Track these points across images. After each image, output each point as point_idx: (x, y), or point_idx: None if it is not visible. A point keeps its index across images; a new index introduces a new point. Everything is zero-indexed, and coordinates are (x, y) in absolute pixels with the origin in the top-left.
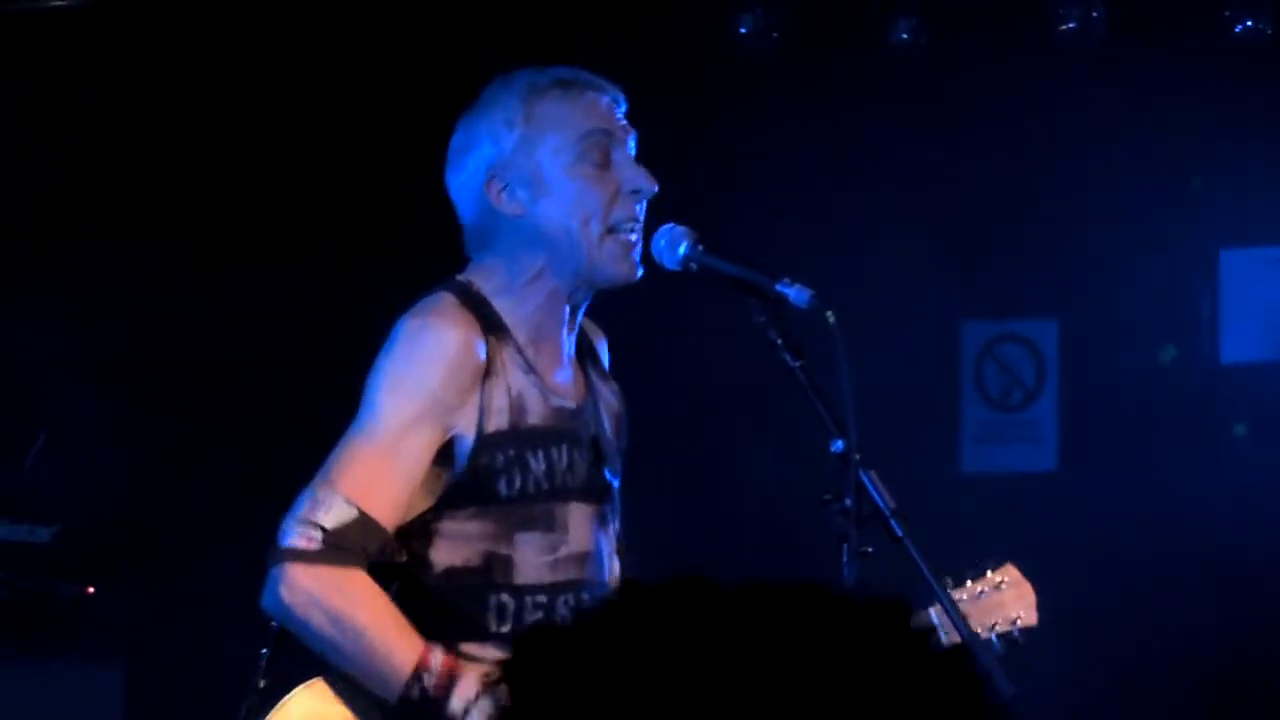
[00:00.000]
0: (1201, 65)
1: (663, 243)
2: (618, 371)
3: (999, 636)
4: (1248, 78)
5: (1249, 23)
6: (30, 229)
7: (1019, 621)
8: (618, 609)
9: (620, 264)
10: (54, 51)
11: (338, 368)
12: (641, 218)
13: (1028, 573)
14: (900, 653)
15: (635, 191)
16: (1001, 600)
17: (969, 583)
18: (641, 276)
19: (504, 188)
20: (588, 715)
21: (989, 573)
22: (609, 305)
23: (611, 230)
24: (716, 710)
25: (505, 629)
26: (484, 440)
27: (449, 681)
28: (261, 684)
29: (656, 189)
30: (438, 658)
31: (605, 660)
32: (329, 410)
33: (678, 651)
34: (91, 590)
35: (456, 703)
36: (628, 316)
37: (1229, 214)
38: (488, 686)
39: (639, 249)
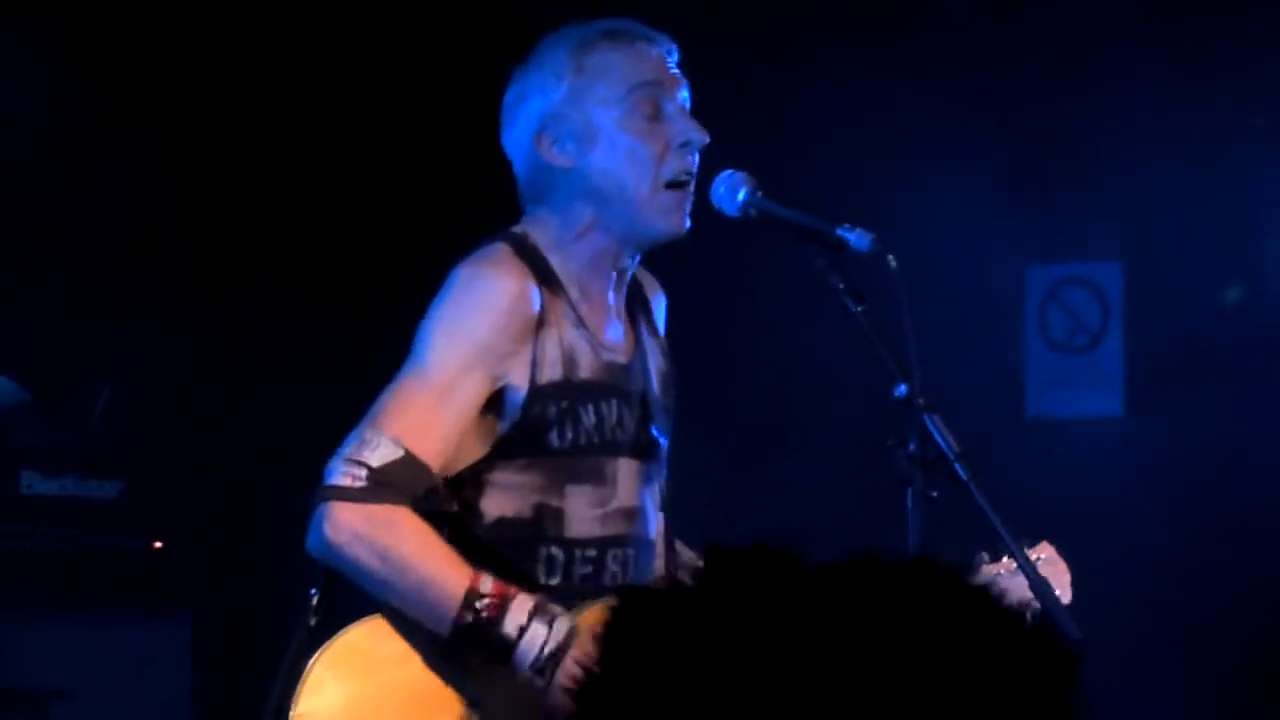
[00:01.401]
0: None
1: (722, 189)
2: (679, 315)
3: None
4: None
5: None
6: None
7: (1034, 605)
8: (711, 575)
9: (669, 217)
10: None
11: (401, 321)
12: (694, 170)
13: (1089, 517)
14: (991, 632)
15: (686, 144)
16: (1018, 584)
17: (1004, 559)
18: (691, 228)
19: (554, 140)
20: (677, 684)
21: (1005, 558)
22: (667, 251)
23: (662, 184)
24: (805, 686)
25: (555, 581)
26: (536, 391)
27: (502, 604)
28: (312, 622)
29: (708, 140)
30: (488, 583)
31: (697, 630)
32: (394, 362)
33: (771, 623)
34: (159, 545)
35: (510, 626)
36: (686, 263)
37: None
38: (540, 609)
39: (690, 202)
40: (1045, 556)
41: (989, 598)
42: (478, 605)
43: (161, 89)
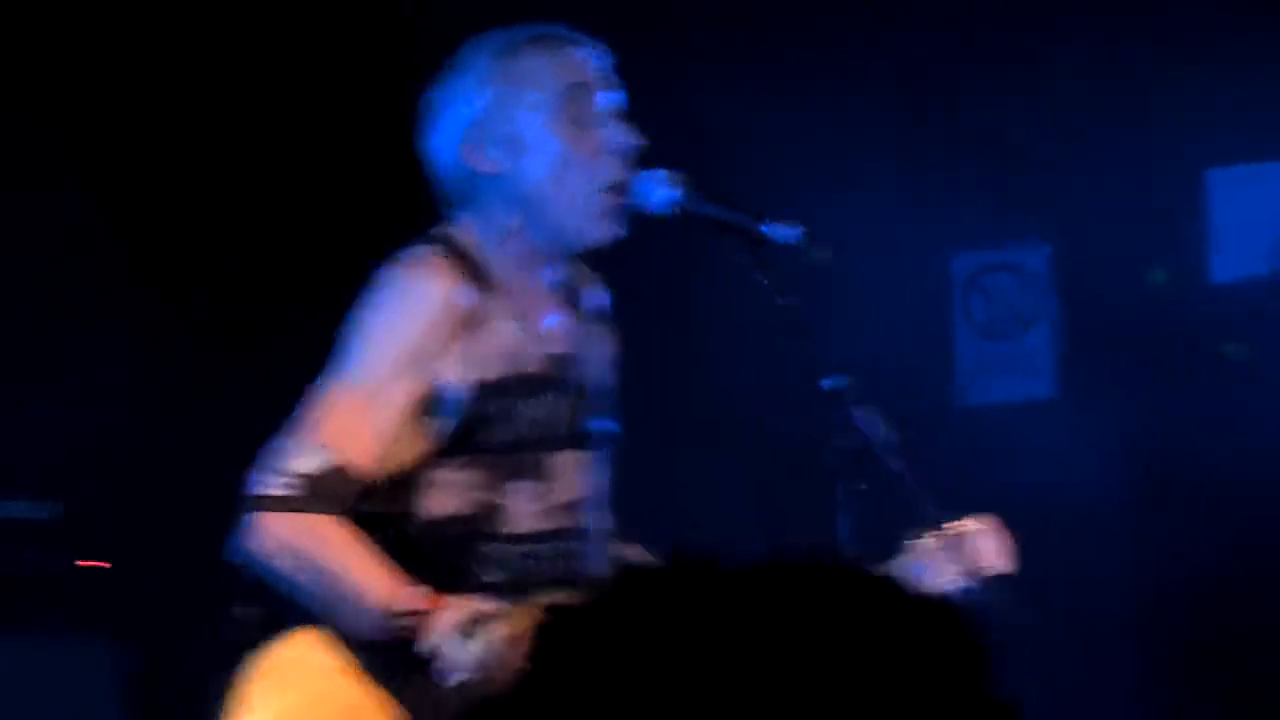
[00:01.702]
0: None
1: (646, 187)
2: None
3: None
4: None
5: None
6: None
7: (994, 569)
8: (624, 591)
9: (600, 223)
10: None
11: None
12: (624, 175)
13: (1027, 502)
14: (903, 627)
15: (615, 149)
16: (977, 548)
17: (942, 528)
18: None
19: (479, 146)
20: (598, 697)
21: (964, 520)
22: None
23: (594, 189)
24: (726, 693)
25: (496, 579)
26: (472, 389)
27: (422, 621)
28: (237, 638)
29: (638, 145)
30: (408, 598)
31: (613, 646)
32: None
33: (687, 639)
34: (84, 564)
35: (427, 645)
36: (612, 261)
37: (1214, 133)
38: (460, 626)
39: (620, 208)
40: (979, 528)
41: (893, 589)
42: (398, 623)
43: (103, 94)
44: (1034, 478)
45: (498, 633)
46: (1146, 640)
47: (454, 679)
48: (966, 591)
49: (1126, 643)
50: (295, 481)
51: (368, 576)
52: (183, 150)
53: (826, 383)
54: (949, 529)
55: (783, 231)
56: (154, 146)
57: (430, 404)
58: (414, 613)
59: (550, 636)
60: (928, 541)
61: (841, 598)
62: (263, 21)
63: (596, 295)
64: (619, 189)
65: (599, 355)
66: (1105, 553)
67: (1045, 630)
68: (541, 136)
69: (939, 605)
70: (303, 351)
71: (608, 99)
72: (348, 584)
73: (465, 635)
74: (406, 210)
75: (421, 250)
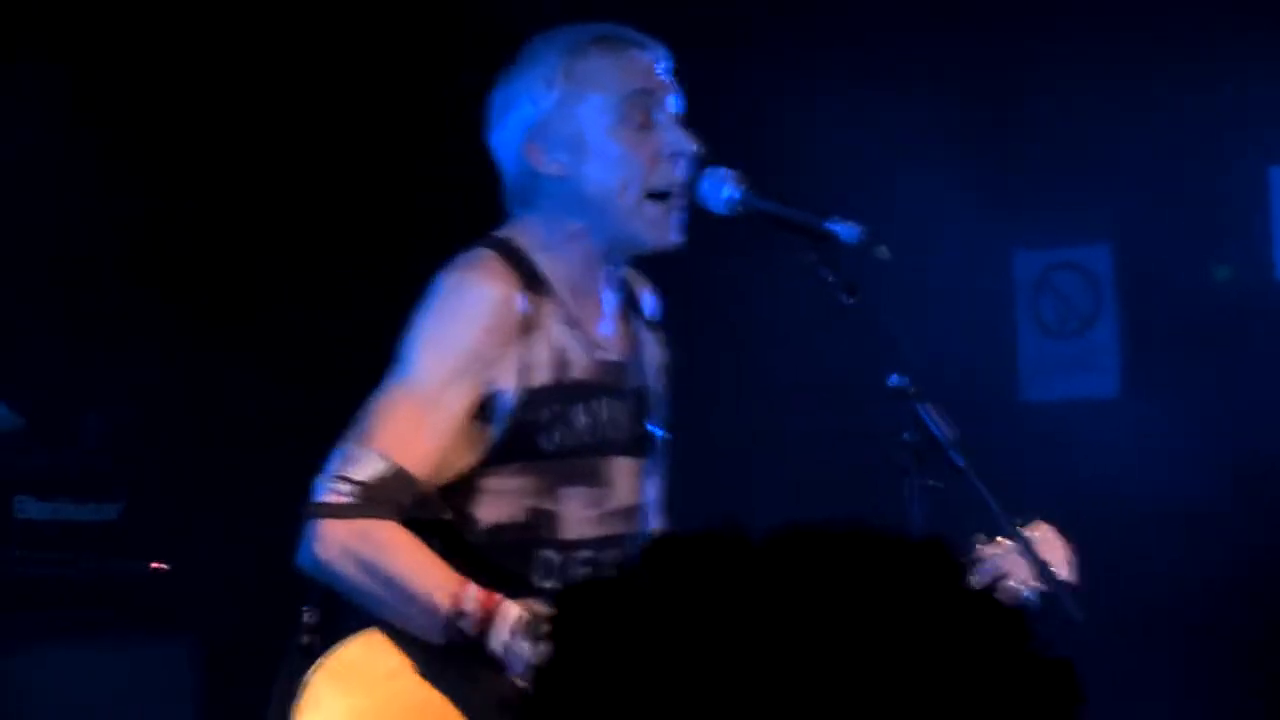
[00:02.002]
0: None
1: (707, 186)
2: (668, 314)
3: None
4: None
5: None
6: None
7: (1058, 576)
8: (655, 562)
9: (656, 229)
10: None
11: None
12: (683, 179)
13: (1090, 499)
14: (938, 592)
15: (676, 154)
16: (1042, 554)
17: (1002, 540)
18: (679, 242)
19: (544, 148)
20: (628, 671)
21: (1030, 525)
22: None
23: (651, 195)
24: (757, 663)
25: (551, 584)
26: (526, 395)
27: (487, 621)
28: (305, 640)
29: (697, 150)
30: (473, 598)
31: (643, 616)
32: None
33: (716, 604)
34: (156, 566)
35: (495, 642)
36: (676, 262)
37: (1277, 129)
38: (524, 625)
39: (680, 213)
40: (1041, 536)
41: (936, 556)
42: (462, 624)
43: (149, 114)
44: (1097, 475)
45: None
46: (1209, 637)
47: (525, 676)
48: (1032, 596)
49: (1189, 639)
50: (356, 489)
51: (432, 578)
52: (242, 155)
53: (893, 380)
54: (1015, 534)
55: (846, 229)
56: (210, 151)
57: (485, 409)
58: (480, 612)
59: (573, 613)
60: (995, 545)
61: (875, 566)
62: (327, 24)
63: (650, 301)
64: (680, 194)
65: (652, 361)
66: (1170, 550)
67: (1106, 627)
68: (604, 140)
69: (1033, 600)
70: (365, 353)
71: (670, 103)
72: (412, 587)
73: (534, 634)
74: (470, 211)
75: (479, 254)
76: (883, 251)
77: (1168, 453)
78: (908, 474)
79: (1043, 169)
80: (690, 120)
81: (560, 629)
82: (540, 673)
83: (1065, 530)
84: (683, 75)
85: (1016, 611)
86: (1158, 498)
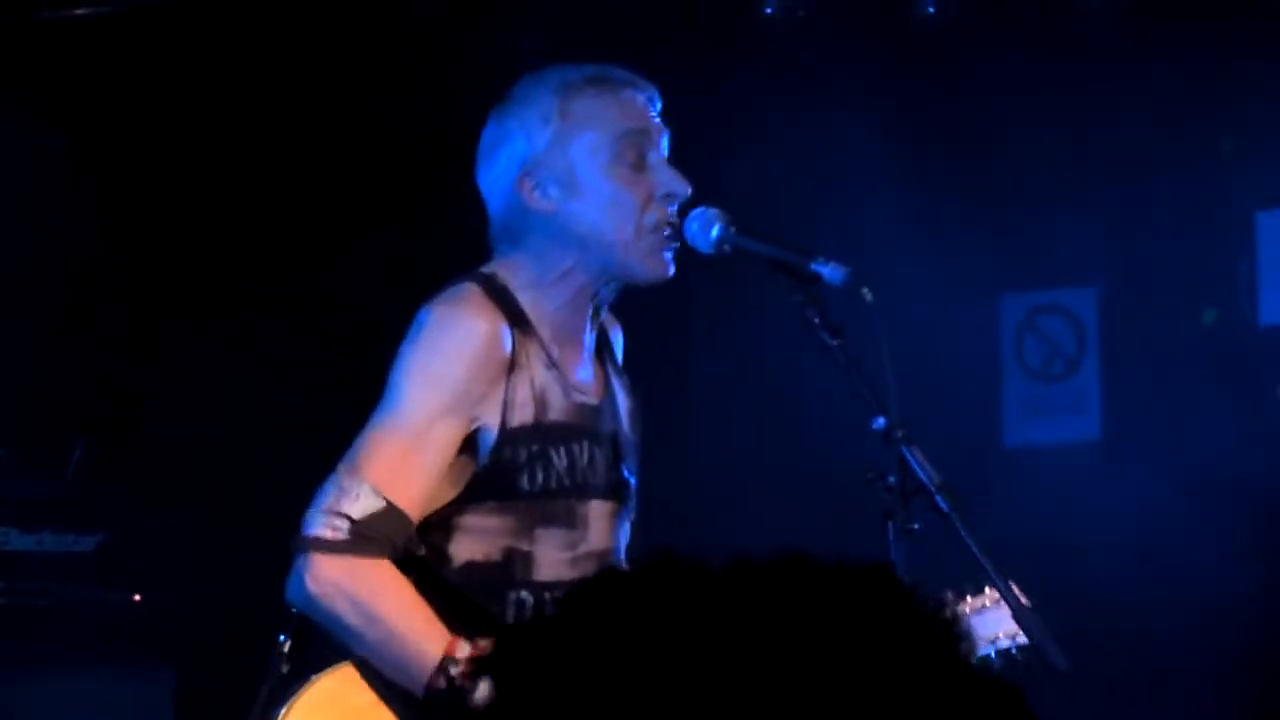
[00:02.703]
0: (1231, 26)
1: (695, 226)
2: (655, 356)
3: (998, 653)
4: (1278, 38)
5: None
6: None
7: (1018, 638)
8: (598, 594)
9: (652, 261)
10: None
11: (378, 366)
12: (674, 220)
13: (1071, 542)
14: (883, 617)
15: (668, 195)
16: (1001, 616)
17: (968, 598)
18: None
19: (536, 185)
20: (574, 706)
21: (988, 589)
22: (643, 290)
23: (645, 230)
24: (700, 693)
25: None
26: (507, 434)
27: (476, 673)
28: (285, 669)
29: (690, 192)
30: (464, 649)
31: (587, 648)
32: (370, 410)
33: (656, 634)
34: (138, 598)
35: (482, 696)
36: (663, 300)
37: (1264, 176)
38: None
39: (673, 248)
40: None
41: (880, 582)
42: (451, 671)
43: (133, 140)
44: (1080, 518)
45: None
46: (1191, 678)
47: None
48: (1007, 651)
49: (1170, 679)
50: (346, 524)
51: (420, 624)
52: (223, 180)
53: (878, 422)
54: (999, 582)
55: (831, 271)
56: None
57: (469, 444)
58: (465, 664)
59: (519, 653)
60: (980, 598)
61: (816, 594)
62: (306, 53)
63: (618, 341)
64: (669, 233)
65: (624, 406)
66: (1151, 593)
67: (1090, 671)
68: (598, 179)
69: (1016, 649)
70: (350, 385)
71: (663, 144)
72: (400, 631)
73: None
74: (454, 247)
75: (466, 288)
76: (868, 294)
77: (1150, 497)
78: (892, 517)
79: (1030, 212)
80: (677, 158)
81: (503, 669)
82: (488, 713)
83: (1045, 572)
84: (672, 113)
85: (959, 635)
86: (1139, 542)
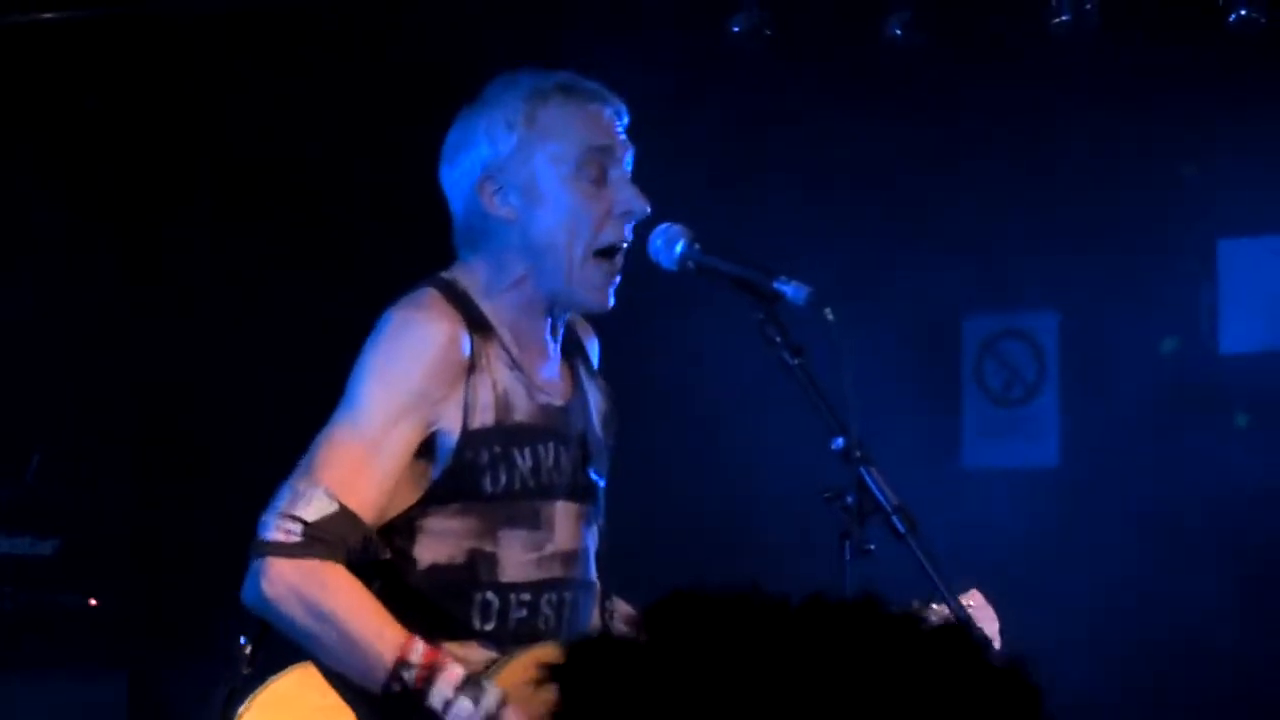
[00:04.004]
0: (1196, 55)
1: (659, 242)
2: (616, 369)
3: None
4: (1243, 67)
5: (1243, 12)
6: (29, 236)
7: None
8: (676, 617)
9: (594, 293)
10: (50, 63)
11: (337, 369)
12: (629, 239)
13: (1026, 568)
14: (963, 670)
15: (627, 213)
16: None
17: (934, 606)
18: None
19: (497, 190)
20: None
21: (964, 595)
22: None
23: (597, 254)
24: None
25: (489, 627)
26: (468, 436)
27: (430, 675)
28: (246, 671)
29: (649, 211)
30: (418, 650)
31: (662, 670)
32: (328, 412)
33: (737, 666)
34: (94, 602)
35: (436, 699)
36: (625, 314)
37: (1227, 204)
38: (467, 683)
39: (617, 278)
40: (975, 604)
41: (955, 633)
42: (405, 675)
43: (94, 149)
44: (1035, 542)
45: (498, 693)
46: (1150, 705)
47: None
48: None
49: (1127, 708)
50: (299, 527)
51: (375, 627)
52: (200, 193)
53: (836, 443)
54: (952, 601)
55: (793, 289)
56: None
57: (427, 448)
58: (424, 666)
59: (586, 671)
60: (931, 612)
61: (893, 639)
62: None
63: (595, 349)
64: (619, 254)
65: (596, 409)
66: (1105, 621)
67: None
68: (558, 189)
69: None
70: (310, 391)
71: (626, 161)
72: (357, 633)
73: (470, 695)
74: (416, 249)
75: (425, 293)
76: (829, 313)
77: (1105, 524)
78: (848, 536)
79: (992, 236)
80: (639, 173)
81: (568, 681)
82: None
83: (1000, 598)
84: (637, 128)
85: (1037, 688)
86: (1093, 568)
